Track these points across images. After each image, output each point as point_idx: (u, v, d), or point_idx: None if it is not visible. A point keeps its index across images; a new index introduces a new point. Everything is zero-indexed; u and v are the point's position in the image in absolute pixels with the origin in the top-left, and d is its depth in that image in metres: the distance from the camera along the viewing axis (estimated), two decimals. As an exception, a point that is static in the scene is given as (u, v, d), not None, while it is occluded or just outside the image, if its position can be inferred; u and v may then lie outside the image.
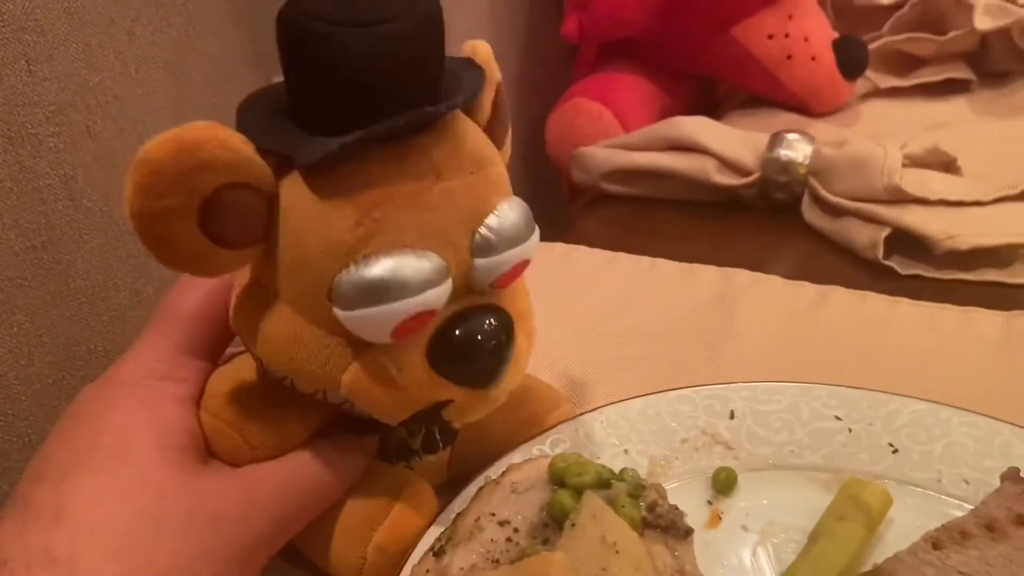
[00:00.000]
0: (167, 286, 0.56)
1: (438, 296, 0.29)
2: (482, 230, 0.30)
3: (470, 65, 0.33)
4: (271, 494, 0.32)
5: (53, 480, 0.29)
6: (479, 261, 0.30)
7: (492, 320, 0.31)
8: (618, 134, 0.82)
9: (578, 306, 0.58)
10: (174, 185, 0.26)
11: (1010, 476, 0.35)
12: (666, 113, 0.84)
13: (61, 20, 0.46)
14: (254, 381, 0.35)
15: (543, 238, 0.67)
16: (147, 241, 0.27)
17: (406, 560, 0.33)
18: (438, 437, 0.38)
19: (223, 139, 0.27)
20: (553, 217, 0.88)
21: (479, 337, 0.30)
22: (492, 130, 0.34)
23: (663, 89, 0.92)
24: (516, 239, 0.31)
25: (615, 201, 0.77)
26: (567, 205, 0.92)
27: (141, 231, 0.27)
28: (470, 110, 0.33)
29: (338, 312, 0.29)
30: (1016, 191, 0.60)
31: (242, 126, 0.29)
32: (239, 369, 0.35)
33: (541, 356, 0.52)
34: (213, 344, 0.36)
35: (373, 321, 0.28)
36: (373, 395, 0.30)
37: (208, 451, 0.33)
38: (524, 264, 0.32)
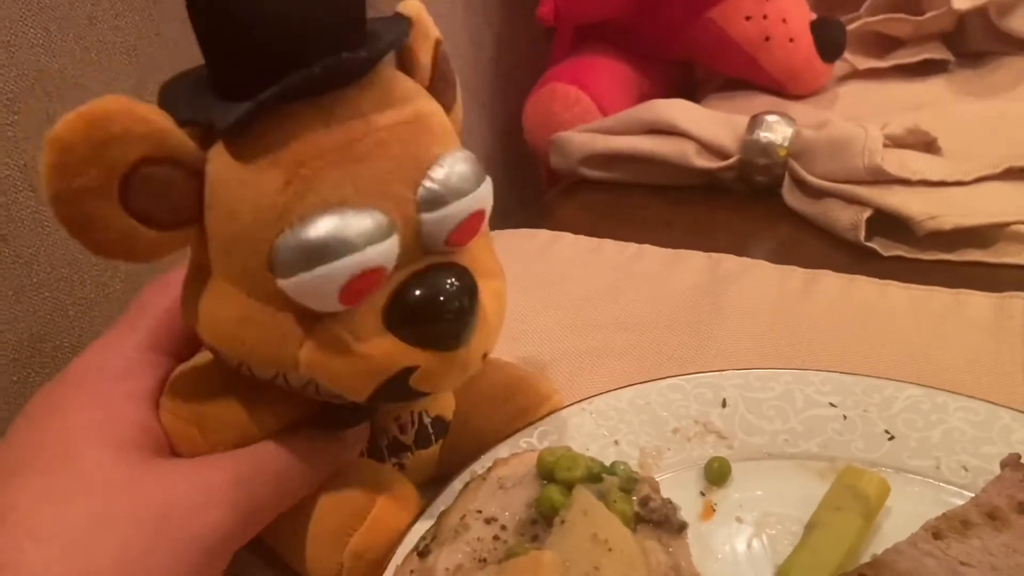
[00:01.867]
0: (135, 280, 0.55)
1: (383, 252, 0.27)
2: (426, 182, 0.28)
3: (397, 19, 0.31)
4: (227, 482, 0.30)
5: (0, 483, 0.29)
6: (426, 216, 0.29)
7: (451, 279, 0.29)
8: (596, 119, 0.80)
9: (564, 295, 0.57)
10: (87, 162, 0.25)
11: (1011, 462, 0.34)
12: (644, 97, 0.83)
13: (18, 5, 0.44)
14: (214, 375, 0.33)
15: (520, 225, 0.68)
16: (69, 226, 0.26)
17: (389, 561, 0.32)
18: (431, 431, 0.37)
19: (135, 111, 0.25)
20: (531, 203, 0.87)
21: (438, 296, 0.29)
22: (436, 88, 0.32)
23: (641, 73, 0.91)
24: (464, 189, 0.29)
25: (593, 187, 0.76)
26: (545, 191, 0.91)
27: (61, 215, 0.26)
28: (407, 68, 0.32)
29: (281, 283, 0.27)
30: (997, 170, 0.59)
31: (162, 102, 0.28)
32: (201, 365, 0.33)
33: (527, 346, 0.51)
34: (181, 343, 0.34)
35: (316, 285, 0.27)
36: (333, 369, 0.29)
37: (170, 449, 0.32)
38: (479, 217, 0.30)
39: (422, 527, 0.33)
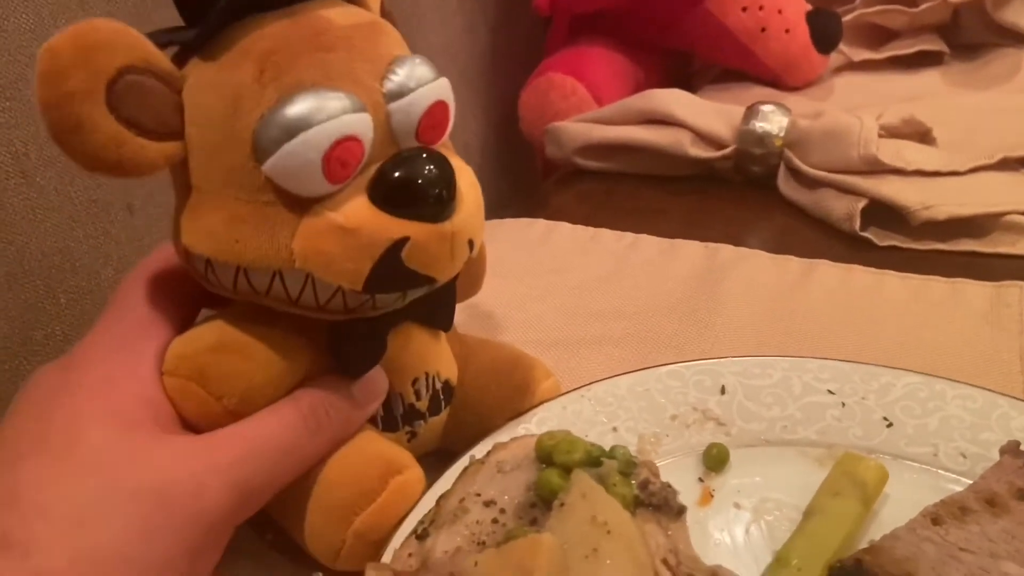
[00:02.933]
0: (127, 267, 0.54)
1: (359, 121, 0.29)
2: (390, 75, 0.31)
3: None
4: (231, 459, 0.30)
5: (7, 464, 0.29)
6: (394, 105, 0.30)
7: (429, 158, 0.31)
8: (592, 108, 0.80)
9: (562, 283, 0.56)
10: (75, 66, 0.27)
11: (1010, 449, 0.34)
12: (640, 87, 0.83)
13: (10, -9, 0.44)
14: (214, 334, 0.33)
15: (517, 214, 0.68)
16: (59, 131, 0.28)
17: (387, 543, 0.32)
18: (442, 397, 0.38)
19: (118, 27, 0.28)
20: (527, 193, 0.86)
21: (419, 168, 0.30)
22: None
23: (637, 63, 0.90)
24: (425, 79, 0.31)
25: (590, 176, 0.76)
26: (541, 181, 0.91)
27: (51, 121, 0.27)
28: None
29: (266, 167, 0.29)
30: (992, 161, 0.60)
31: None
32: (198, 328, 0.33)
33: (525, 334, 0.51)
34: (176, 316, 0.34)
35: (299, 156, 0.28)
36: (327, 252, 0.29)
37: (180, 419, 0.32)
38: (443, 107, 0.32)
39: (421, 510, 0.32)
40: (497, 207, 0.75)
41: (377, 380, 0.35)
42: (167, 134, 0.30)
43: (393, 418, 0.36)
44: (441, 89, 0.32)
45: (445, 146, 0.34)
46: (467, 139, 0.94)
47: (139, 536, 0.28)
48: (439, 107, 0.32)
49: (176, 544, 0.28)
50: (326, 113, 0.28)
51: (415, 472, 0.34)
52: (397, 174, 0.30)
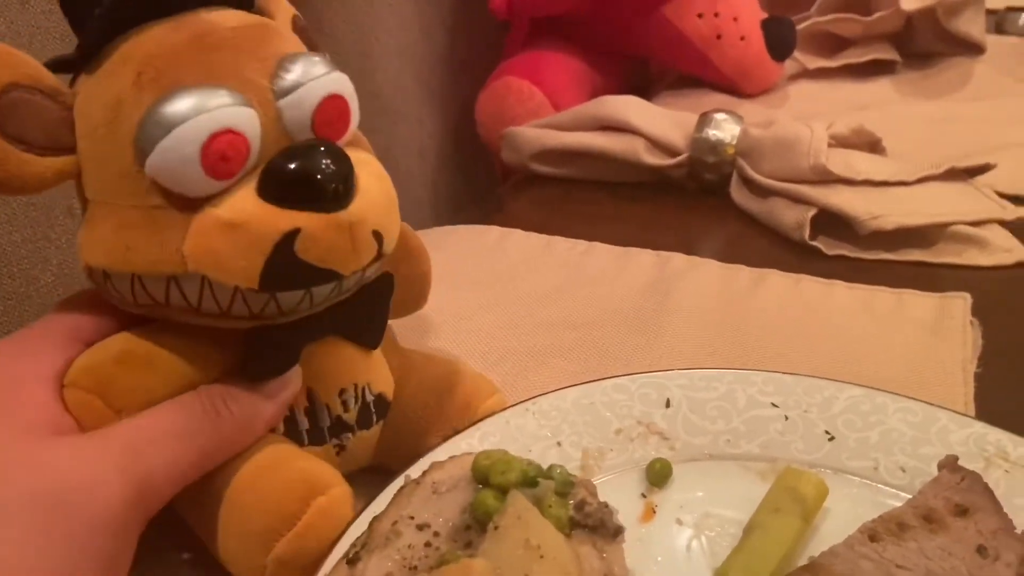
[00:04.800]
0: (68, 272, 0.53)
1: (240, 115, 0.28)
2: (281, 72, 0.30)
3: None
4: (117, 452, 0.29)
5: None
6: (284, 101, 0.30)
7: (321, 148, 0.30)
8: (549, 113, 0.80)
9: (513, 293, 0.56)
10: None
11: (948, 464, 0.34)
12: (597, 92, 0.83)
13: (-55, -13, 0.43)
14: (119, 345, 0.32)
15: (472, 218, 0.67)
16: None
17: (318, 567, 0.31)
18: (373, 410, 0.37)
19: (1, 47, 0.28)
20: (484, 197, 0.86)
21: (309, 157, 0.29)
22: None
23: (595, 68, 0.90)
24: (319, 75, 0.31)
25: (545, 182, 0.76)
26: (497, 186, 0.90)
27: None
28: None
29: (147, 167, 0.28)
30: (939, 171, 0.60)
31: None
32: (105, 341, 0.32)
33: (472, 345, 0.50)
34: (98, 331, 0.33)
35: (176, 151, 0.28)
36: (217, 251, 0.29)
37: (77, 428, 0.31)
38: (338, 100, 0.31)
39: (353, 533, 0.32)
40: (453, 211, 0.75)
41: (288, 375, 0.34)
42: (58, 149, 0.30)
43: (320, 430, 0.35)
44: (335, 82, 0.31)
45: (354, 144, 0.33)
46: (423, 142, 0.93)
47: (36, 546, 0.26)
48: (334, 101, 0.31)
49: (79, 549, 0.27)
50: (204, 108, 0.28)
51: (340, 491, 0.32)
52: (286, 165, 0.29)
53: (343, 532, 0.31)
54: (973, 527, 0.32)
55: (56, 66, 0.30)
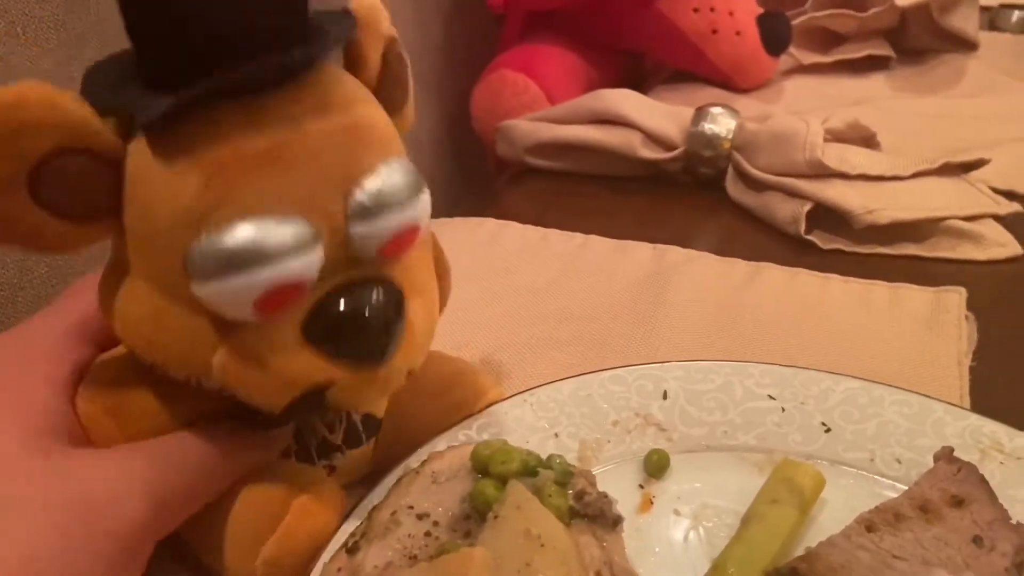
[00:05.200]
0: (60, 263, 0.52)
1: (305, 266, 0.26)
2: (357, 193, 0.27)
3: (343, 15, 0.29)
4: (147, 471, 0.29)
5: None
6: (355, 228, 0.27)
7: (377, 292, 0.28)
8: (544, 107, 0.80)
9: (509, 285, 0.56)
10: None
11: (944, 456, 0.34)
12: (593, 86, 0.83)
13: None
14: (134, 366, 0.31)
15: (468, 211, 0.67)
16: None
17: (312, 566, 0.31)
18: (360, 430, 0.36)
19: (50, 98, 0.24)
20: (479, 190, 0.86)
21: (361, 310, 0.27)
22: (385, 90, 0.31)
23: (590, 62, 0.90)
24: (398, 203, 0.27)
25: (540, 176, 0.76)
26: (493, 179, 0.90)
27: None
28: (355, 68, 0.30)
29: (195, 288, 0.26)
30: (934, 166, 0.60)
31: (85, 88, 0.26)
32: (122, 355, 0.32)
33: (469, 337, 0.50)
34: (108, 334, 0.33)
35: (230, 296, 0.25)
36: (246, 379, 0.27)
37: (86, 439, 0.31)
38: (412, 230, 0.29)
39: (352, 524, 0.32)
40: (448, 204, 0.74)
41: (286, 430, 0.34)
42: (97, 216, 0.27)
43: (307, 451, 0.35)
44: (415, 213, 0.28)
45: (420, 246, 0.31)
46: (418, 135, 0.93)
47: (51, 551, 0.26)
48: (409, 230, 0.28)
49: (93, 558, 0.27)
50: (267, 256, 0.25)
51: (325, 490, 0.32)
52: (336, 312, 0.27)
53: (340, 524, 0.31)
54: (969, 518, 0.32)
55: (110, 104, 0.26)
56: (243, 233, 0.25)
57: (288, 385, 0.27)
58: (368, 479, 0.36)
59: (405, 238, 0.28)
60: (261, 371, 0.27)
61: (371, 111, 0.29)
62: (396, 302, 0.28)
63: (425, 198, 0.29)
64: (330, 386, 0.28)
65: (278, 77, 0.26)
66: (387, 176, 0.27)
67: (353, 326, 0.27)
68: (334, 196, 0.27)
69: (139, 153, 0.26)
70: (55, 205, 0.25)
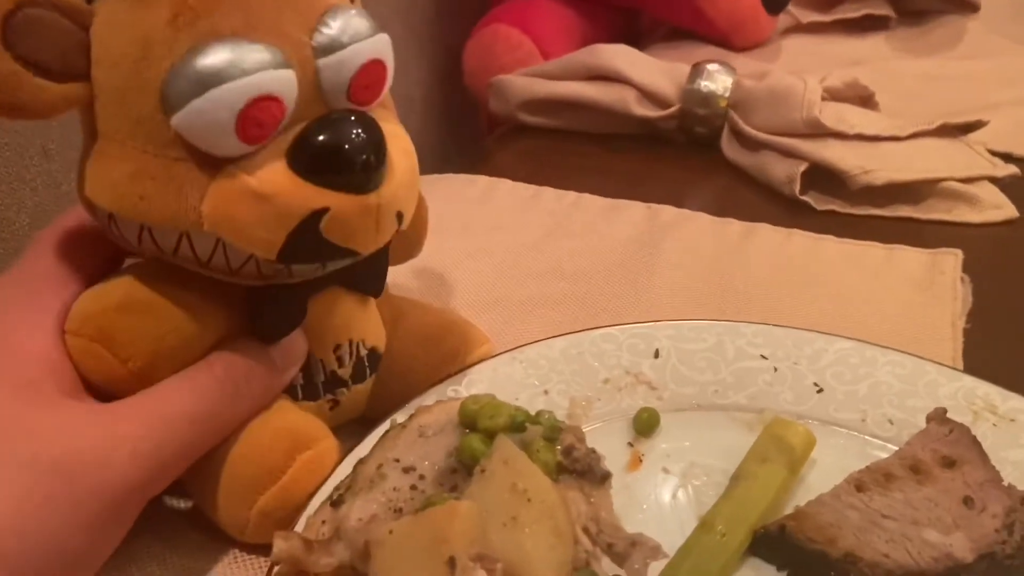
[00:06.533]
0: (43, 214, 0.51)
1: (279, 79, 0.27)
2: (321, 27, 0.28)
3: None
4: (138, 430, 0.28)
5: None
6: (324, 60, 0.28)
7: (358, 121, 0.28)
8: (538, 63, 0.78)
9: (501, 242, 0.55)
10: None
11: (936, 416, 0.34)
12: (587, 43, 0.81)
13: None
14: (122, 291, 0.31)
15: (459, 170, 0.66)
16: None
17: (301, 512, 0.30)
18: (366, 364, 0.36)
19: None
20: (470, 148, 0.84)
21: (346, 135, 0.28)
22: None
23: (586, 18, 0.89)
24: (360, 34, 0.29)
25: (533, 133, 0.74)
26: (485, 135, 0.89)
27: None
28: None
29: (174, 120, 0.26)
30: (932, 127, 0.60)
31: None
32: (106, 284, 0.31)
33: (461, 293, 0.50)
34: (88, 271, 0.32)
35: (210, 113, 0.26)
36: (239, 218, 0.27)
37: (82, 381, 0.30)
38: (378, 66, 0.30)
39: (337, 477, 0.31)
40: (439, 161, 0.73)
41: (296, 344, 0.33)
42: (70, 75, 0.27)
43: (314, 386, 0.35)
44: (378, 46, 0.30)
45: (383, 106, 0.32)
46: (409, 90, 0.91)
47: (34, 509, 0.26)
48: (375, 66, 0.29)
49: (75, 518, 0.26)
50: (242, 68, 0.26)
51: (325, 444, 0.32)
52: (320, 139, 0.28)
53: (327, 478, 0.31)
54: (960, 479, 0.32)
55: None
56: (217, 51, 0.26)
57: (282, 215, 0.28)
58: (357, 428, 0.36)
59: (373, 74, 0.30)
60: (253, 206, 0.27)
61: None
62: (377, 129, 0.29)
63: (386, 38, 0.30)
64: (324, 214, 0.28)
65: None
66: (348, 17, 0.29)
67: (339, 150, 0.28)
68: (301, 27, 0.28)
69: (105, 8, 0.27)
70: (28, 56, 0.26)
